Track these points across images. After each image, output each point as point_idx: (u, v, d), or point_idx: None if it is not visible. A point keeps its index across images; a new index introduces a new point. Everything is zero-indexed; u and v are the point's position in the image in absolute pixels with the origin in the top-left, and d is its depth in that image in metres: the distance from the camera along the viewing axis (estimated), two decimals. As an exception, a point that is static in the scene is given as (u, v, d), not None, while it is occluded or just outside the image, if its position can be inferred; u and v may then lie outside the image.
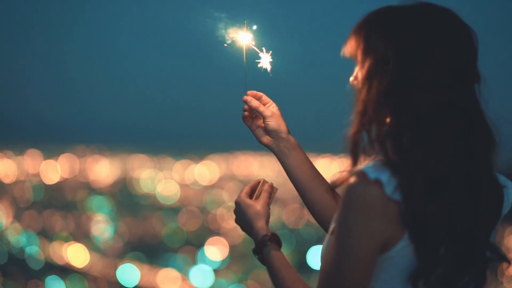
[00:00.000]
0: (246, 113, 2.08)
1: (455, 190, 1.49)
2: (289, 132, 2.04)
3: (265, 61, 2.07)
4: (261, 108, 2.05)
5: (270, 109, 2.05)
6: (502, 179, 1.63)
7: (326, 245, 1.58)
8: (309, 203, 2.02)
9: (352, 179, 1.47)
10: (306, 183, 2.02)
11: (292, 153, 2.03)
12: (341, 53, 1.60)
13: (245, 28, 2.07)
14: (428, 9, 1.55)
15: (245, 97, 2.06)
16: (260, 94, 2.07)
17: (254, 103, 2.05)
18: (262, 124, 2.07)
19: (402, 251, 1.49)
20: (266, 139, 2.06)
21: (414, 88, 1.49)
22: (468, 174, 1.51)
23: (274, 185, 1.97)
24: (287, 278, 1.71)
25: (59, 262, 34.40)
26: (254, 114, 2.10)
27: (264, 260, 1.79)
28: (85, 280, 32.77)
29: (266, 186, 1.95)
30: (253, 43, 2.07)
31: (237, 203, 1.92)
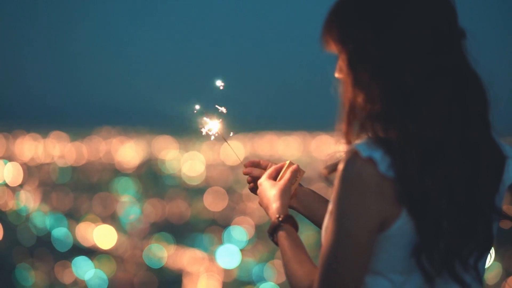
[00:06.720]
0: (251, 184, 2.03)
1: (451, 156, 1.45)
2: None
3: (213, 126, 2.06)
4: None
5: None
6: (508, 148, 1.59)
7: (325, 226, 1.55)
8: None
9: (345, 158, 1.44)
10: None
11: (308, 201, 1.97)
12: (321, 50, 1.56)
13: (215, 115, 2.06)
14: None
15: (245, 170, 2.03)
16: (257, 161, 2.04)
17: (255, 172, 2.02)
18: None
19: (400, 230, 1.46)
20: None
21: (399, 62, 1.46)
22: (464, 136, 1.47)
23: (301, 167, 1.91)
24: (293, 260, 1.66)
25: (86, 243, 34.79)
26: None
27: (277, 241, 1.76)
28: (113, 261, 33.09)
29: (291, 168, 1.89)
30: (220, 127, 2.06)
31: (260, 184, 1.91)
